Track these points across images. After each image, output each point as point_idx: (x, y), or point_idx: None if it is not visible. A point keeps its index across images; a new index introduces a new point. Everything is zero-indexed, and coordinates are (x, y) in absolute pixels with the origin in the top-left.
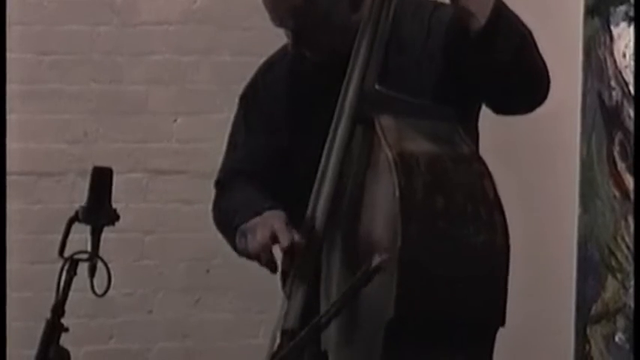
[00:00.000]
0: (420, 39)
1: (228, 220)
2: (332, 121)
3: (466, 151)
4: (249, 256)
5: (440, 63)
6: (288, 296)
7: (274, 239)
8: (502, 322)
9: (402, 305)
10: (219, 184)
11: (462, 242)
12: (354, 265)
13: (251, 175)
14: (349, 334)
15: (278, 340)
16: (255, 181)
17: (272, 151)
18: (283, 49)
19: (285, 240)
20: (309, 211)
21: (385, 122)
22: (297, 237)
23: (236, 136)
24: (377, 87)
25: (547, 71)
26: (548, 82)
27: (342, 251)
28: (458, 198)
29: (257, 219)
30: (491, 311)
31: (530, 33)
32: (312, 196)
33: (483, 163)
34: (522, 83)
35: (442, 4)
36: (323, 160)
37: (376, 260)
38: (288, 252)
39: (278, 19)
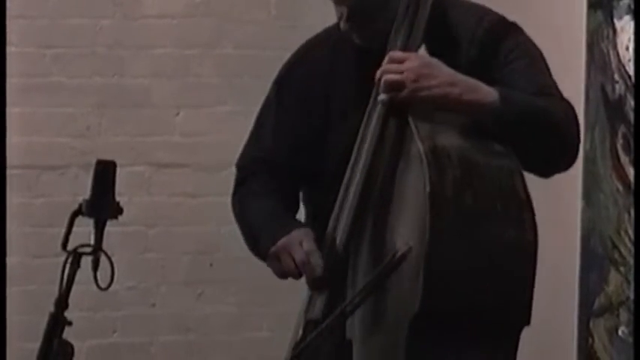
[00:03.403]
0: (462, 33)
1: (252, 233)
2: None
3: (497, 147)
4: (283, 276)
5: (476, 62)
6: (312, 290)
7: (308, 260)
8: (528, 321)
9: (427, 301)
10: (242, 171)
11: (490, 239)
12: (381, 257)
13: (276, 167)
14: (374, 324)
15: (301, 331)
16: (280, 175)
17: (303, 135)
18: (326, 32)
19: (317, 266)
20: (339, 201)
21: (419, 115)
22: (321, 261)
23: (265, 117)
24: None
25: (572, 136)
26: (575, 147)
27: (371, 242)
28: (488, 195)
29: (285, 239)
30: (517, 309)
31: (547, 119)
32: (343, 186)
33: (514, 159)
34: (542, 157)
35: (488, 17)
36: (355, 148)
37: (401, 250)
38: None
39: None
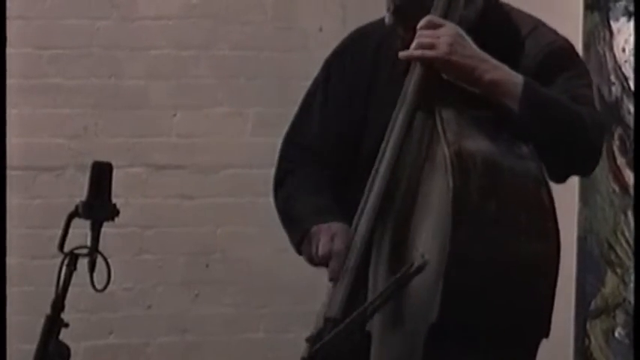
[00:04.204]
0: (504, 42)
1: (294, 219)
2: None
3: (524, 151)
4: (312, 263)
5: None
6: (334, 285)
7: (329, 259)
8: (546, 334)
9: (445, 311)
10: (286, 161)
11: (512, 250)
12: (403, 260)
13: (322, 155)
14: (394, 326)
15: (319, 327)
16: (324, 162)
17: (346, 124)
18: (376, 23)
19: (333, 271)
20: (364, 196)
21: (446, 114)
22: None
23: (313, 99)
24: (443, 75)
25: (594, 142)
26: (596, 154)
27: (393, 243)
28: (512, 204)
29: (320, 228)
30: (537, 322)
31: (573, 119)
32: (369, 181)
33: (539, 163)
34: (562, 157)
35: (546, 27)
36: (383, 144)
37: (417, 262)
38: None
39: None
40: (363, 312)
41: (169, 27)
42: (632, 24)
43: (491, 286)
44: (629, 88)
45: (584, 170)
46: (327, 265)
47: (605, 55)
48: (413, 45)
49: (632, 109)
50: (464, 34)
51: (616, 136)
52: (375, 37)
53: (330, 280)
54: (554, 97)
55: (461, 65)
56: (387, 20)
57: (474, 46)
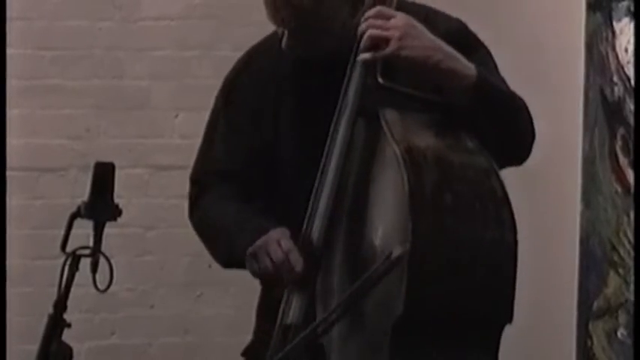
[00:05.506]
0: None
1: (226, 238)
2: (334, 116)
3: (471, 146)
4: (261, 277)
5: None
6: (289, 292)
7: (287, 259)
8: (510, 319)
9: (411, 303)
10: (198, 185)
11: (471, 239)
12: (359, 263)
13: (231, 176)
14: (354, 326)
15: (278, 334)
16: (237, 185)
17: (255, 148)
18: (269, 40)
19: (297, 263)
20: (310, 208)
21: (390, 116)
22: (301, 259)
23: (214, 129)
24: (380, 80)
25: (533, 135)
26: (531, 144)
27: (345, 244)
28: (466, 195)
29: (263, 239)
30: (500, 308)
31: (516, 105)
32: (313, 193)
33: (488, 157)
34: (504, 147)
35: (437, 13)
36: (324, 156)
37: (396, 251)
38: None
39: (279, 19)
40: (329, 316)
41: (171, 28)
42: (634, 24)
43: (453, 276)
44: (632, 88)
45: (520, 158)
46: (277, 277)
47: (607, 55)
48: (363, 39)
49: (634, 109)
50: (415, 23)
51: (618, 137)
52: (272, 54)
53: (295, 279)
54: (502, 88)
55: (413, 58)
56: (283, 45)
57: (428, 35)
